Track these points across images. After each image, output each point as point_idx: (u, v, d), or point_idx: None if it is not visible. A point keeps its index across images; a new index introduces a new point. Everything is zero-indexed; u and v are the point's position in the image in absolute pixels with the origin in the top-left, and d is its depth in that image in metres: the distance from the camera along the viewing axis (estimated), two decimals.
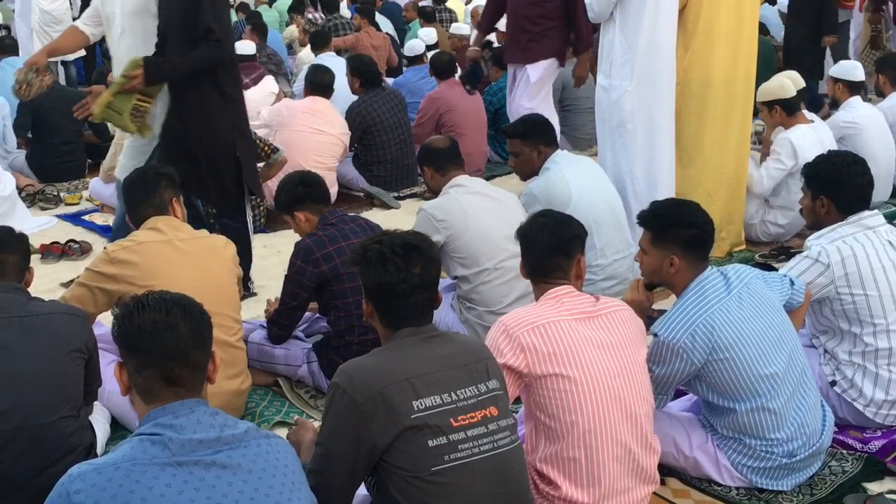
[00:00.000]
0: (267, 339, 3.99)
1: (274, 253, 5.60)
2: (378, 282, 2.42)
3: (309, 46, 9.58)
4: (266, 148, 6.04)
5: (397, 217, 6.22)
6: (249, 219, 4.80)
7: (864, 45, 9.80)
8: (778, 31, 10.27)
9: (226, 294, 3.54)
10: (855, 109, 6.07)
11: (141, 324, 2.03)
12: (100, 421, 3.38)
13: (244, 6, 13.31)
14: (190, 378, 2.05)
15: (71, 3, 10.33)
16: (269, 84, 8.00)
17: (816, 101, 8.54)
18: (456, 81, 7.21)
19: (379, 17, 11.41)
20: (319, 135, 6.40)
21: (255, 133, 6.03)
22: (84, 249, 5.71)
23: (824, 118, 6.25)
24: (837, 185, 3.52)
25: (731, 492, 3.15)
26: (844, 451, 3.36)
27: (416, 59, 8.51)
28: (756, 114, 5.56)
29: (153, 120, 4.36)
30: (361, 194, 6.86)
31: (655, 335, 3.04)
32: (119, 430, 3.54)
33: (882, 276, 3.39)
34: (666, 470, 3.15)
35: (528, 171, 4.54)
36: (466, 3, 13.26)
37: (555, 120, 6.10)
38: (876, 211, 3.59)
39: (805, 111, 5.71)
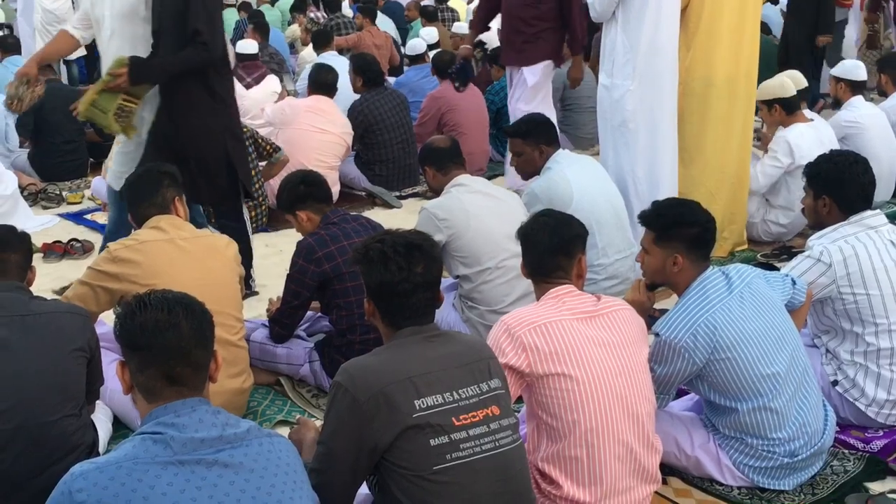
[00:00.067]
0: (269, 338, 4.00)
1: (276, 252, 5.60)
2: (380, 281, 2.42)
3: (311, 45, 9.59)
4: (268, 147, 6.04)
5: (399, 216, 6.22)
6: (247, 218, 4.80)
7: (861, 44, 9.81)
8: (780, 31, 10.27)
9: (228, 293, 3.55)
10: (857, 109, 6.06)
11: (143, 322, 2.03)
12: (102, 420, 3.38)
13: (246, 5, 13.30)
14: (192, 377, 2.05)
15: (73, 2, 10.34)
16: (271, 83, 8.01)
17: (814, 98, 8.54)
18: (470, 80, 7.20)
19: (381, 17, 11.41)
20: (322, 134, 6.41)
21: (257, 132, 6.06)
22: (86, 248, 5.71)
23: (818, 112, 6.24)
24: (839, 185, 3.52)
25: (733, 491, 3.15)
26: (846, 451, 3.36)
27: (417, 59, 8.51)
28: (756, 112, 5.56)
29: (141, 123, 4.33)
30: (363, 193, 6.86)
31: (657, 334, 3.04)
32: (121, 429, 3.54)
33: (884, 276, 3.39)
34: (668, 469, 3.15)
35: (530, 171, 4.54)
36: (468, 3, 13.27)
37: (554, 120, 6.09)
38: (878, 210, 3.58)
39: (806, 111, 5.71)
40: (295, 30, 12.53)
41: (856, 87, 6.27)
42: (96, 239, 5.90)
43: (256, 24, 10.19)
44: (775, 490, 3.12)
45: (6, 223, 3.41)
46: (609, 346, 2.77)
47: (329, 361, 3.82)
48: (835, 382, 3.48)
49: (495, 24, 7.25)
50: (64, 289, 4.42)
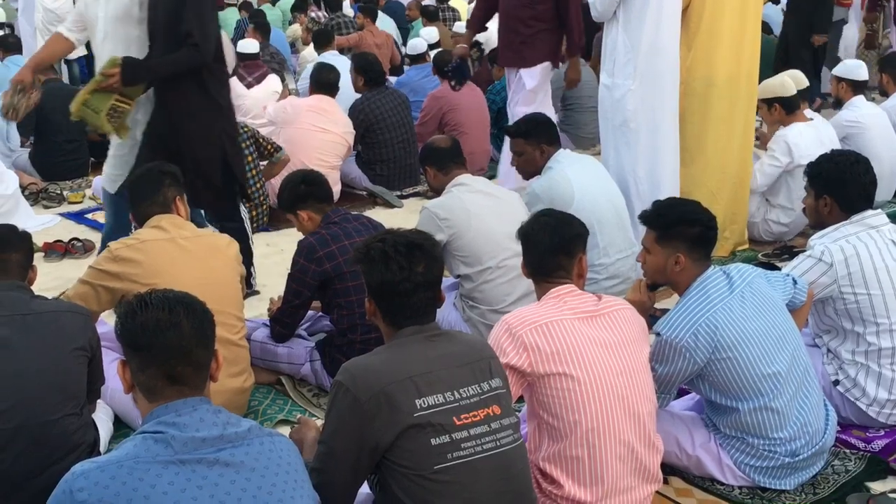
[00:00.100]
0: (270, 337, 4.00)
1: (277, 251, 5.60)
2: (381, 280, 2.42)
3: (312, 45, 9.59)
4: (269, 147, 6.04)
5: (400, 216, 6.22)
6: (246, 217, 4.80)
7: (859, 43, 9.81)
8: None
9: (229, 292, 3.55)
10: (858, 108, 6.06)
11: (144, 322, 2.03)
12: (103, 419, 3.38)
13: (247, 4, 13.31)
14: (193, 376, 2.05)
15: (74, 2, 10.33)
16: (272, 83, 8.01)
17: (812, 97, 8.54)
18: (466, 80, 7.19)
19: (382, 16, 11.41)
20: (323, 133, 6.41)
21: (258, 132, 6.06)
22: (87, 248, 5.72)
23: (816, 110, 6.24)
24: (840, 185, 3.51)
25: (734, 491, 3.14)
26: (847, 451, 3.36)
27: (418, 58, 8.51)
28: (756, 111, 5.56)
29: (135, 124, 4.34)
30: (364, 193, 6.86)
31: (658, 334, 3.04)
32: (122, 428, 3.54)
33: (885, 276, 3.39)
34: (669, 469, 3.15)
35: (531, 170, 4.54)
36: (469, 2, 13.26)
37: (554, 120, 6.07)
38: (879, 210, 3.58)
39: (807, 111, 5.71)
40: (296, 29, 12.54)
41: (857, 87, 6.27)
42: (97, 238, 5.88)
43: (257, 24, 10.20)
44: (776, 490, 3.12)
45: (7, 222, 3.41)
46: (610, 346, 2.77)
47: (330, 361, 3.82)
48: (836, 382, 3.48)
49: (494, 24, 7.23)
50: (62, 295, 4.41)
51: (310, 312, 4.10)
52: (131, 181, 3.70)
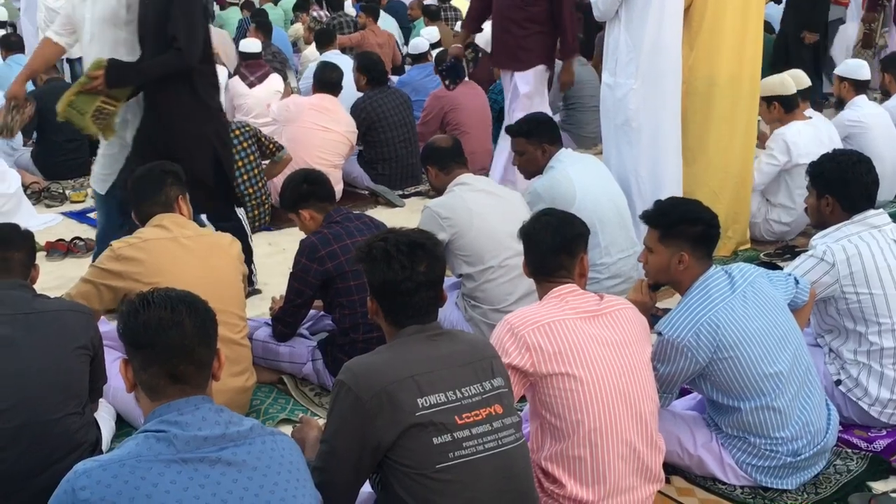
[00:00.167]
0: (272, 336, 4.00)
1: (278, 251, 5.60)
2: (383, 280, 2.42)
3: (314, 44, 9.59)
4: (271, 146, 6.04)
5: (402, 215, 6.22)
6: (243, 216, 4.80)
7: (857, 42, 9.78)
8: None
9: (231, 291, 3.55)
10: (860, 108, 6.06)
11: (146, 321, 2.03)
12: (105, 418, 3.38)
13: (249, 4, 13.31)
14: (195, 375, 2.05)
15: None
16: (274, 82, 8.00)
17: (813, 96, 8.54)
18: (461, 80, 7.19)
19: (383, 15, 11.42)
20: (325, 132, 6.41)
21: (259, 131, 6.06)
22: (89, 247, 5.70)
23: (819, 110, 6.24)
24: (842, 184, 3.51)
25: (736, 490, 3.14)
26: (849, 450, 3.35)
27: (420, 58, 8.51)
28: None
29: (125, 126, 4.33)
30: (366, 192, 6.86)
31: (660, 334, 3.04)
32: (124, 427, 3.54)
33: (887, 275, 3.39)
34: (671, 468, 3.15)
35: (533, 170, 4.54)
36: None
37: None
38: (881, 210, 3.58)
39: (807, 110, 5.70)
40: (298, 28, 12.54)
41: (859, 87, 6.27)
42: None
43: (259, 23, 10.20)
44: (778, 489, 3.12)
45: (9, 221, 3.41)
46: (612, 346, 2.77)
47: (332, 360, 3.82)
48: (838, 382, 3.47)
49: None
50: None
51: (311, 312, 4.10)
52: (133, 180, 3.70)
